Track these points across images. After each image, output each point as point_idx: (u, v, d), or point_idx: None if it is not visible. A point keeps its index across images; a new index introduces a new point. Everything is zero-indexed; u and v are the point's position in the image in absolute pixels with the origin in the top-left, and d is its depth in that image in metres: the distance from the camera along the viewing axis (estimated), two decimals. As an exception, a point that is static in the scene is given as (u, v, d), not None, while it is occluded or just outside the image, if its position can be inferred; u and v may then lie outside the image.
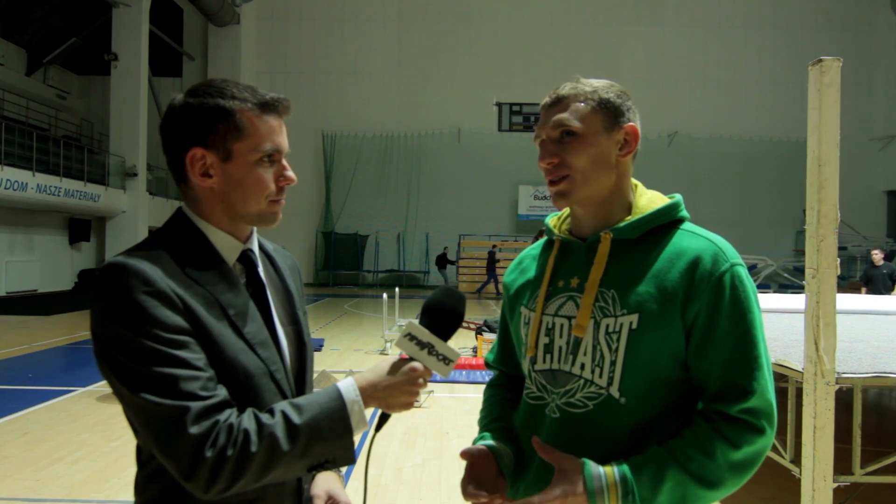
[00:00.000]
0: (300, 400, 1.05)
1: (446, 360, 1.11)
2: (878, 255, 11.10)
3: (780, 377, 3.26)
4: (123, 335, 0.97)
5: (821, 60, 2.39)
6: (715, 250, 1.14)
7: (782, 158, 24.11)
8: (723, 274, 1.12)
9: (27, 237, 18.73)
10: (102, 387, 6.70)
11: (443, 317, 1.15)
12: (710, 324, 1.11)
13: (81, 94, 24.13)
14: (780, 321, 4.57)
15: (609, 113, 1.19)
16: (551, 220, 1.35)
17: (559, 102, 1.20)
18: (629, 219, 1.20)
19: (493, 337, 8.09)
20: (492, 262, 20.96)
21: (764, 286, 20.13)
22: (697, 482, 1.06)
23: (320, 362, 7.88)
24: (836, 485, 2.50)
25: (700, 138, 24.87)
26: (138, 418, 0.99)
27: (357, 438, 1.07)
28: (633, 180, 1.26)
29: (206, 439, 0.95)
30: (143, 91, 19.57)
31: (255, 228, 1.20)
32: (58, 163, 16.74)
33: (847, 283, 18.29)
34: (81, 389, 6.69)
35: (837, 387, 2.47)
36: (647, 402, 1.13)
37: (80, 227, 20.45)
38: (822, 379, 2.44)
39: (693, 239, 1.17)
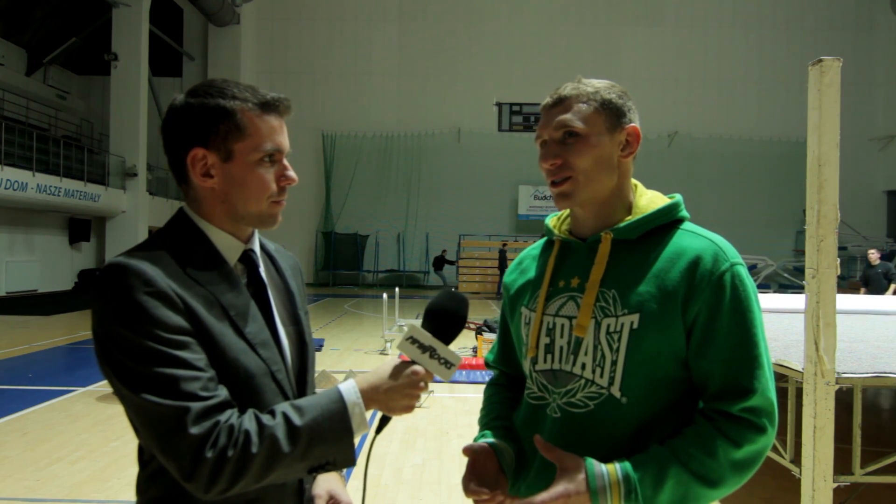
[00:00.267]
0: (301, 401, 1.05)
1: (448, 364, 1.11)
2: (874, 255, 11.04)
3: (781, 377, 3.26)
4: (124, 335, 0.97)
5: (821, 60, 2.39)
6: (715, 250, 1.14)
7: (782, 158, 24.12)
8: (723, 273, 1.12)
9: (27, 237, 18.73)
10: (102, 387, 6.70)
11: (445, 320, 1.15)
12: (711, 323, 1.11)
13: (81, 94, 24.13)
14: (780, 321, 4.57)
15: (611, 114, 1.19)
16: (551, 221, 1.35)
17: (561, 103, 1.20)
18: (629, 219, 1.20)
19: (493, 337, 8.09)
20: (503, 260, 20.94)
21: (764, 286, 20.13)
22: (699, 481, 1.07)
23: (320, 362, 7.88)
24: (836, 485, 2.50)
25: (700, 138, 24.88)
26: (139, 419, 0.99)
27: (357, 440, 1.07)
28: (633, 180, 1.27)
29: (207, 440, 0.95)
30: (143, 91, 19.57)
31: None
32: (58, 163, 16.74)
33: (847, 283, 18.28)
34: (81, 389, 6.69)
35: (837, 387, 2.47)
36: (648, 401, 1.14)
37: (80, 227, 20.46)
38: (822, 379, 2.44)
39: (693, 238, 1.17)
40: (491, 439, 1.29)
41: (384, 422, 1.15)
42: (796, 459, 2.72)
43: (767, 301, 6.22)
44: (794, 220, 23.57)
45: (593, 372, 1.15)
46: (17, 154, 15.56)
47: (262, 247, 1.25)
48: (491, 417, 1.37)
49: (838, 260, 2.47)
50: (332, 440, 1.03)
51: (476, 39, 24.96)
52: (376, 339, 10.14)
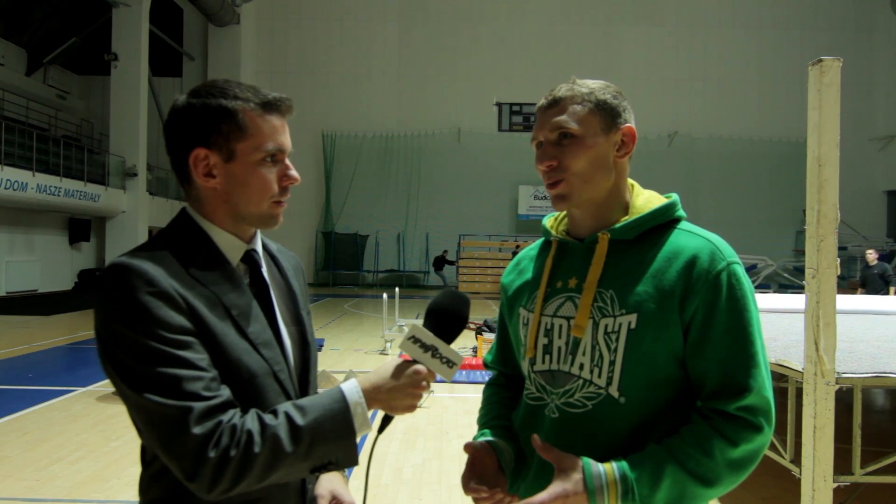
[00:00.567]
0: (303, 401, 1.06)
1: (450, 363, 1.11)
2: (871, 255, 10.94)
3: (780, 377, 3.26)
4: (127, 335, 0.97)
5: (821, 60, 2.39)
6: (712, 249, 1.14)
7: (782, 158, 24.13)
8: (720, 272, 1.12)
9: (27, 237, 18.74)
10: (102, 387, 6.70)
11: (447, 320, 1.15)
12: (708, 322, 1.11)
13: (81, 94, 24.13)
14: (780, 321, 4.58)
15: (606, 114, 1.19)
16: (548, 221, 1.35)
17: (556, 104, 1.19)
18: (626, 219, 1.20)
19: (493, 337, 8.07)
20: None
21: (764, 286, 20.12)
22: (695, 480, 1.07)
23: (320, 362, 7.87)
24: (836, 485, 2.51)
25: (700, 138, 24.88)
26: (141, 418, 1.00)
27: (359, 440, 1.08)
28: (630, 180, 1.27)
29: (210, 440, 0.95)
30: (143, 91, 19.58)
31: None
32: (58, 163, 16.74)
33: (847, 284, 18.28)
34: (81, 389, 6.70)
35: (837, 387, 2.47)
36: (646, 401, 1.14)
37: (80, 227, 20.46)
38: (822, 379, 2.44)
39: (690, 238, 1.17)
40: (490, 438, 1.29)
41: (386, 421, 1.15)
42: (796, 459, 2.72)
43: (767, 301, 6.22)
44: (794, 220, 23.57)
45: (591, 372, 1.16)
46: (17, 154, 15.56)
47: (265, 247, 1.25)
48: (490, 417, 1.37)
49: (838, 260, 2.47)
50: (335, 440, 1.03)
51: (476, 39, 24.96)
52: (376, 339, 10.14)
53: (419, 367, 1.10)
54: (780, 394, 3.37)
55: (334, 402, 1.04)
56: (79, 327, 11.70)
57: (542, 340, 1.23)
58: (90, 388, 6.76)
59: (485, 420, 1.38)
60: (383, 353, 9.09)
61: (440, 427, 5.50)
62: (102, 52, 19.64)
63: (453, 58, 24.91)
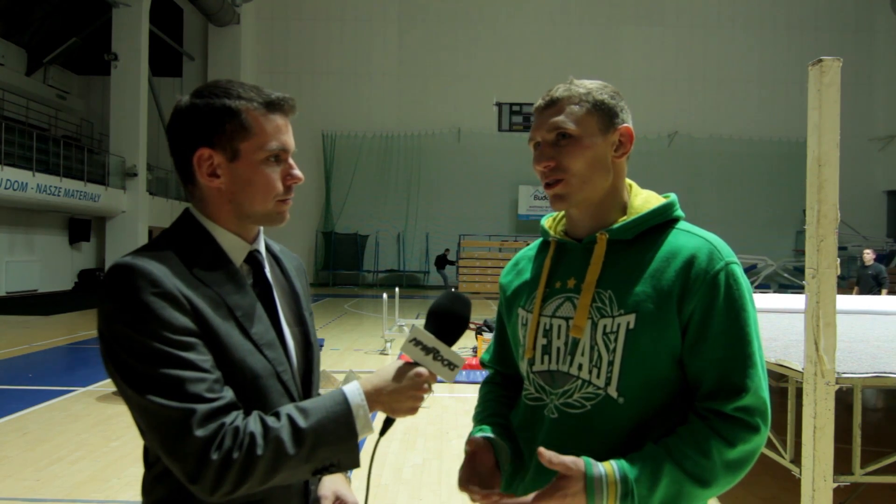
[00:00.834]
0: (306, 404, 1.05)
1: (451, 366, 1.11)
2: (868, 255, 10.89)
3: (780, 377, 3.27)
4: (130, 336, 0.97)
5: (821, 60, 2.40)
6: (710, 248, 1.14)
7: (782, 158, 24.13)
8: (718, 272, 1.12)
9: (27, 237, 18.74)
10: (102, 387, 6.71)
11: (448, 322, 1.15)
12: (705, 322, 1.11)
13: (81, 94, 24.13)
14: (780, 321, 4.58)
15: (604, 115, 1.19)
16: (547, 222, 1.35)
17: (554, 105, 1.20)
18: (624, 219, 1.21)
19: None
20: None
21: (764, 286, 20.12)
22: (692, 480, 1.07)
23: (320, 362, 7.88)
24: (836, 485, 2.51)
25: (700, 138, 24.88)
26: (144, 420, 0.99)
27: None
28: (628, 180, 1.27)
29: (212, 442, 0.95)
30: (143, 91, 19.57)
31: (261, 229, 1.20)
32: (58, 163, 16.74)
33: (847, 283, 18.28)
34: (81, 389, 6.70)
35: (837, 387, 2.47)
36: (644, 401, 1.14)
37: (80, 227, 20.46)
38: (822, 379, 2.44)
39: (688, 238, 1.18)
40: (489, 434, 1.29)
41: (388, 424, 1.15)
42: (796, 459, 2.72)
43: (767, 301, 6.22)
44: (794, 220, 23.58)
45: (590, 372, 1.16)
46: (17, 154, 15.56)
47: (268, 247, 1.25)
48: (487, 414, 1.37)
49: (838, 260, 2.48)
50: (337, 442, 1.03)
51: (476, 39, 24.96)
52: (376, 339, 10.14)
53: (421, 369, 1.10)
54: (781, 394, 3.38)
55: (336, 405, 1.04)
56: (79, 327, 11.70)
57: (541, 341, 1.23)
58: (90, 388, 6.76)
59: (482, 416, 1.37)
60: (383, 353, 9.09)
61: (440, 427, 5.51)
62: (102, 52, 19.64)
63: (453, 58, 24.91)
